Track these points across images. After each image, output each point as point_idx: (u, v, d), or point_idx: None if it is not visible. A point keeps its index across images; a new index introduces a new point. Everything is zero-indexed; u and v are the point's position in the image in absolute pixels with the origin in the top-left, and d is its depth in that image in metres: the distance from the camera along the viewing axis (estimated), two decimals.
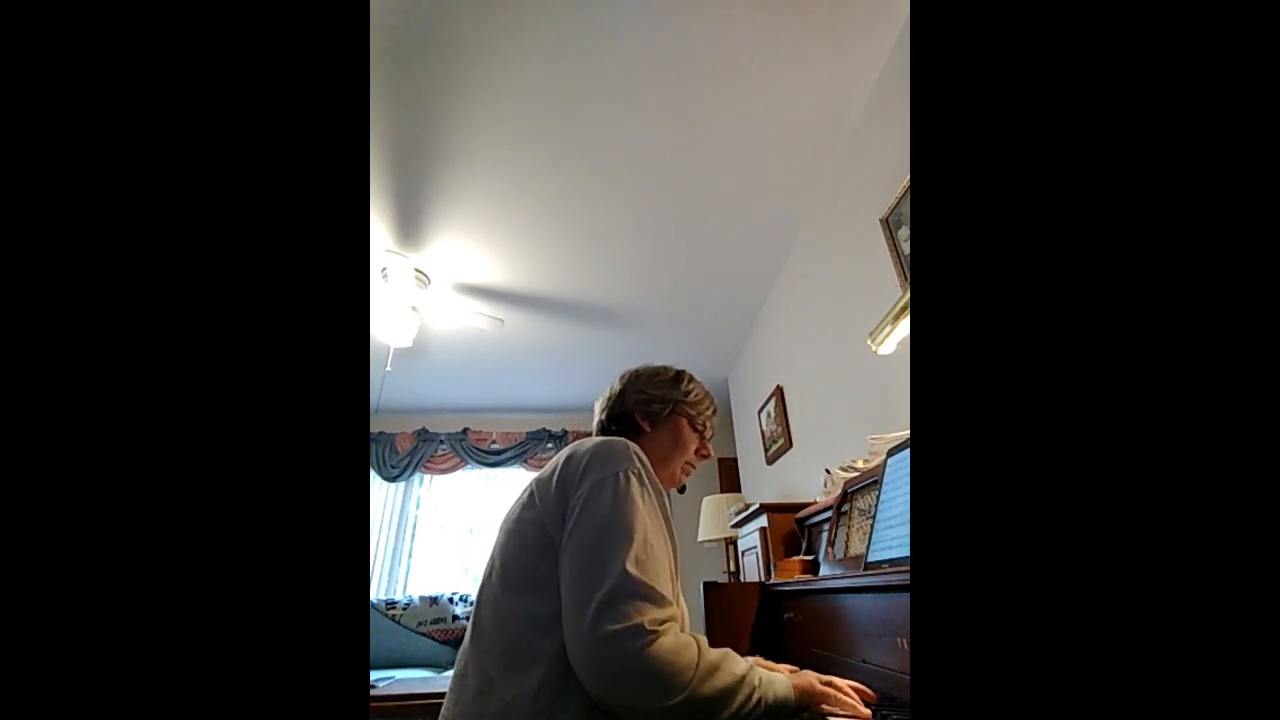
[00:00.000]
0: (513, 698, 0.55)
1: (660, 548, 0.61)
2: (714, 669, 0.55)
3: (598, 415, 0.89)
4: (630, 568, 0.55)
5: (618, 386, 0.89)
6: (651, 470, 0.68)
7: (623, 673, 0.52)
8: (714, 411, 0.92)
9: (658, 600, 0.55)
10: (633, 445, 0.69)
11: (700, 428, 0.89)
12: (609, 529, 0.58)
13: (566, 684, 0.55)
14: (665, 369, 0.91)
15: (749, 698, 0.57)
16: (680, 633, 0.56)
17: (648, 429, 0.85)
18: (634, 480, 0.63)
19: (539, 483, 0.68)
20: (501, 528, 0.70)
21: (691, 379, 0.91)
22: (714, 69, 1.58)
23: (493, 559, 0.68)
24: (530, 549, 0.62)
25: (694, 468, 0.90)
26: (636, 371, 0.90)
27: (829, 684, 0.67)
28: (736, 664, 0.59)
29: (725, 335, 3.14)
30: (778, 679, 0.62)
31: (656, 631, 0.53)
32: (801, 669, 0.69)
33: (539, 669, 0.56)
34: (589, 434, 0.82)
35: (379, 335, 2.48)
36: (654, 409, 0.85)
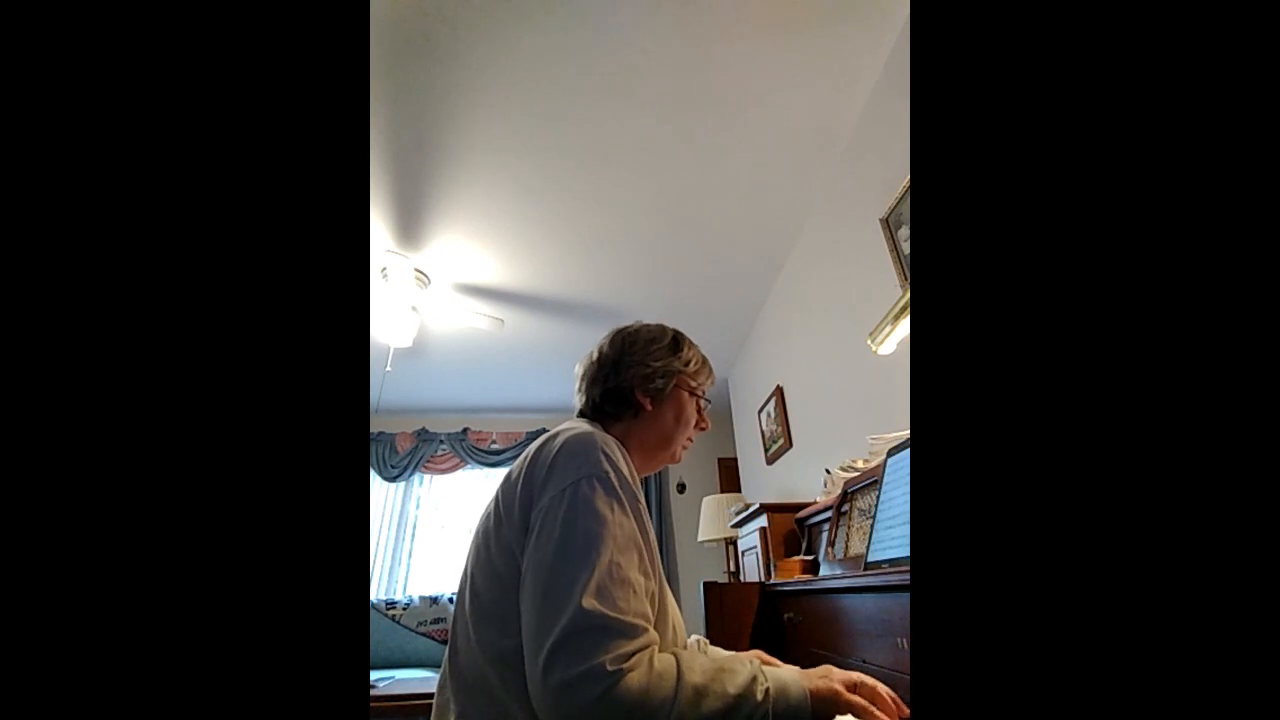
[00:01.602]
0: None
1: (633, 562, 0.54)
2: (700, 695, 0.48)
3: (585, 387, 0.77)
4: (588, 601, 0.48)
5: (609, 352, 0.77)
6: (624, 469, 0.60)
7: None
8: (712, 380, 0.83)
9: (626, 631, 0.48)
10: (599, 439, 0.60)
11: (701, 398, 0.80)
12: (564, 556, 0.51)
13: None
14: (661, 332, 0.80)
15: (751, 715, 0.49)
16: (658, 658, 0.49)
17: (649, 408, 0.74)
18: (598, 487, 0.55)
19: (505, 487, 0.61)
20: (472, 542, 0.63)
21: (690, 344, 0.82)
22: (714, 69, 1.58)
23: (466, 575, 0.61)
24: (499, 573, 0.56)
25: (692, 442, 0.82)
26: (629, 334, 0.79)
27: (859, 688, 0.56)
28: (733, 678, 0.50)
29: (725, 335, 3.14)
30: (791, 684, 0.53)
31: (621, 670, 0.45)
32: (828, 671, 0.59)
33: (512, 712, 0.52)
34: None
35: (379, 335, 2.48)
36: (656, 385, 0.75)
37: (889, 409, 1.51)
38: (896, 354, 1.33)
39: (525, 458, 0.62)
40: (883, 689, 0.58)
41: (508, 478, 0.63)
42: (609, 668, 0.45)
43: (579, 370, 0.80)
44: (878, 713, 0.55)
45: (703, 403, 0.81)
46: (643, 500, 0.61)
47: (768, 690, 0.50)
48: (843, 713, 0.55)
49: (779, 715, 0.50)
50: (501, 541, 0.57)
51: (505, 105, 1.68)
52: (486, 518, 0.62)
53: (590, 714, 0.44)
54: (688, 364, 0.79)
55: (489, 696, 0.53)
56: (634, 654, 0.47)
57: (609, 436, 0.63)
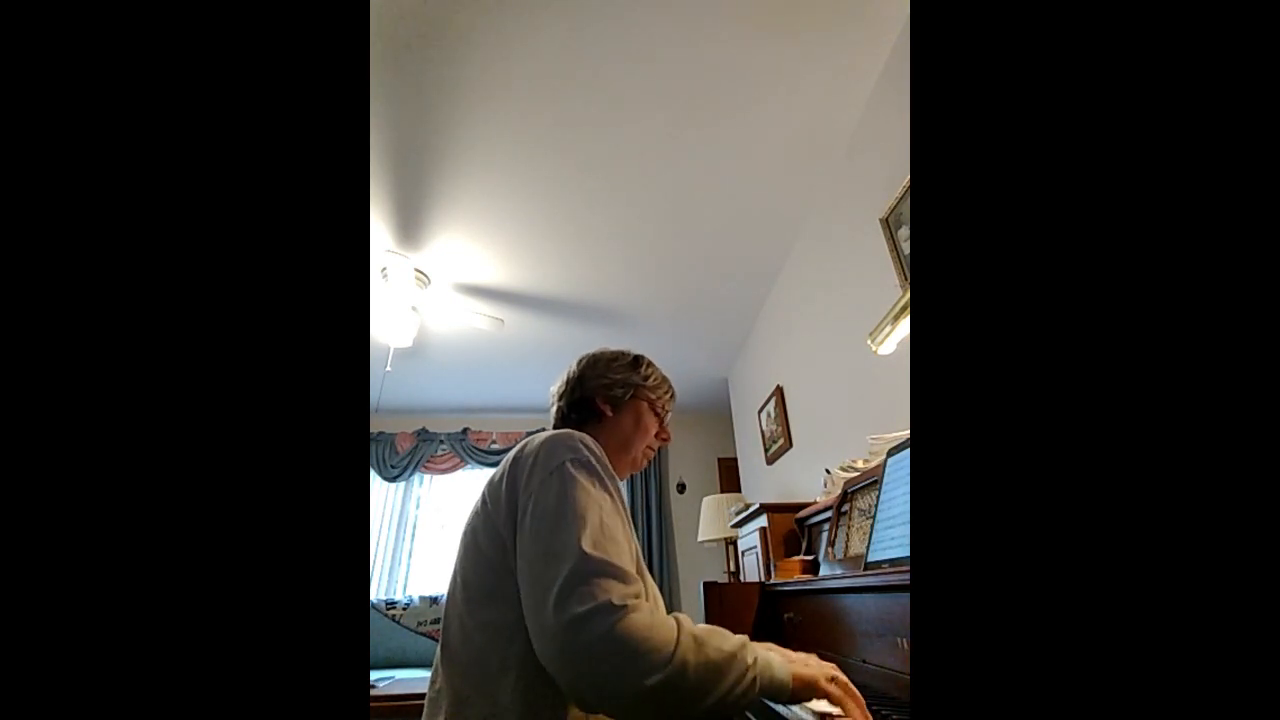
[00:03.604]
0: (487, 713, 0.54)
1: (618, 526, 0.58)
2: (698, 643, 0.50)
3: (556, 402, 0.88)
4: (588, 547, 0.52)
5: (575, 372, 0.87)
6: (602, 458, 0.65)
7: (594, 655, 0.47)
8: (672, 396, 0.92)
9: (622, 576, 0.51)
10: (578, 435, 0.66)
11: (660, 411, 0.89)
12: (559, 518, 0.55)
13: (540, 691, 0.54)
14: (623, 353, 0.90)
15: (741, 677, 0.51)
16: (656, 611, 0.52)
17: (609, 414, 0.84)
18: (581, 470, 0.61)
19: (490, 487, 0.66)
20: (460, 540, 0.68)
21: (650, 364, 0.91)
22: (714, 68, 1.58)
23: (455, 575, 0.66)
24: (489, 559, 0.60)
25: (654, 452, 0.89)
26: (594, 356, 0.89)
27: (834, 681, 0.60)
28: (725, 639, 0.54)
29: (725, 335, 3.14)
30: (775, 661, 0.57)
31: (626, 606, 0.49)
32: (810, 659, 0.62)
33: (510, 679, 0.55)
34: None
35: (379, 335, 2.48)
36: (615, 394, 0.84)
37: (889, 409, 1.51)
38: (896, 354, 1.33)
39: (507, 460, 0.67)
40: (854, 690, 0.61)
41: (491, 479, 0.67)
42: (616, 602, 0.49)
43: (552, 390, 0.90)
44: (851, 705, 0.59)
45: (662, 415, 0.90)
46: (619, 486, 0.67)
47: (755, 659, 0.54)
48: (819, 699, 0.59)
49: (764, 685, 0.54)
50: (490, 530, 0.62)
51: (506, 105, 1.67)
52: (474, 516, 0.67)
53: (601, 644, 0.47)
54: (646, 379, 0.88)
55: (483, 671, 0.57)
56: (634, 595, 0.51)
57: (584, 434, 0.68)
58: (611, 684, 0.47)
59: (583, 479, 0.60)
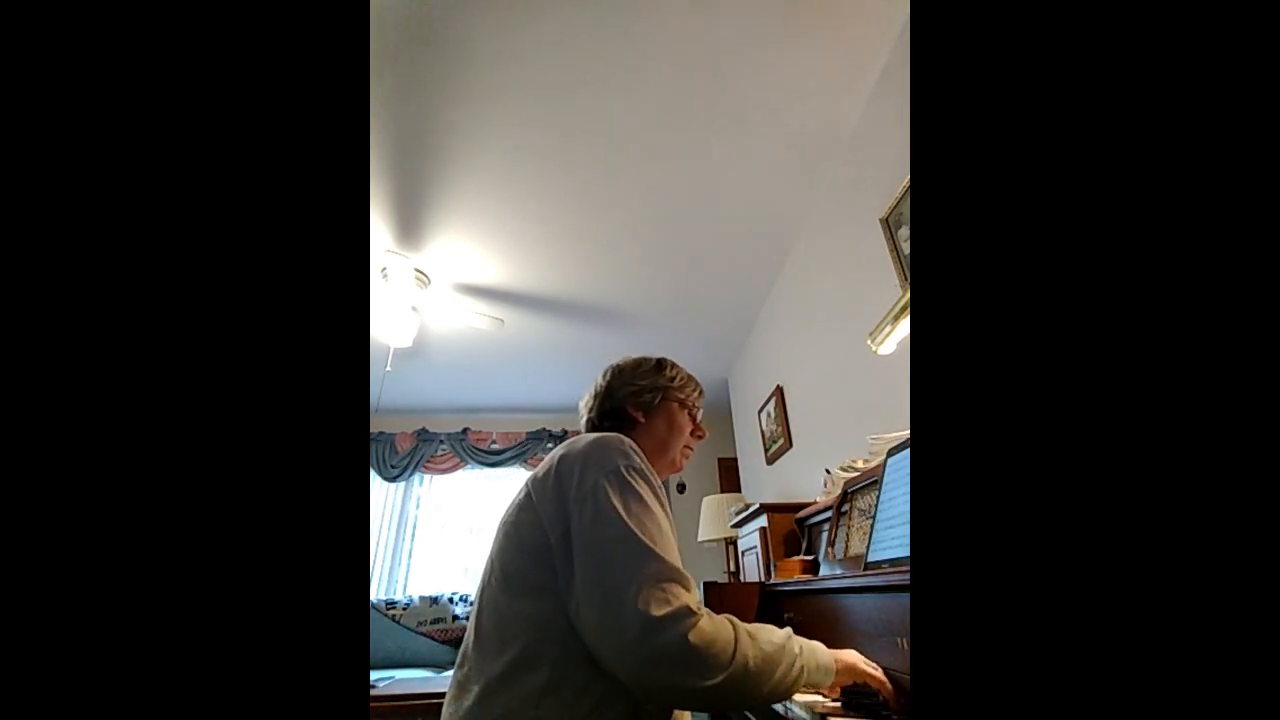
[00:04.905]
0: (516, 704, 0.55)
1: (671, 536, 0.62)
2: (753, 640, 0.56)
3: (585, 414, 0.90)
4: (659, 552, 0.56)
5: (603, 383, 0.89)
6: (647, 462, 0.68)
7: (670, 657, 0.51)
8: (700, 392, 0.93)
9: (687, 583, 0.56)
10: (626, 440, 0.69)
11: (691, 409, 0.90)
12: (627, 523, 0.58)
13: (569, 685, 0.55)
14: (645, 359, 0.92)
15: (791, 666, 0.58)
16: (713, 614, 0.57)
17: (642, 420, 0.86)
18: (636, 476, 0.64)
19: (534, 483, 0.68)
20: (499, 530, 0.70)
21: (673, 364, 0.92)
22: (715, 69, 1.58)
23: (491, 562, 0.67)
24: (529, 552, 0.62)
25: (692, 450, 0.91)
26: (618, 366, 0.91)
27: (874, 667, 0.69)
28: (773, 634, 0.60)
29: (725, 335, 3.14)
30: (819, 648, 0.63)
31: (699, 614, 0.54)
32: (850, 651, 0.71)
33: (541, 673, 0.56)
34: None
35: (379, 335, 2.48)
36: (645, 399, 0.86)
37: (889, 409, 1.51)
38: (896, 354, 1.32)
39: (553, 458, 0.69)
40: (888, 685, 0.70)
41: (535, 475, 0.69)
42: (694, 609, 0.54)
43: (580, 405, 0.92)
44: (890, 686, 0.68)
45: (694, 413, 0.91)
46: (663, 489, 0.69)
47: (801, 649, 0.61)
48: (860, 680, 0.68)
49: (810, 672, 0.61)
50: (535, 524, 0.63)
51: (506, 106, 1.67)
52: (516, 509, 0.68)
53: (676, 649, 0.51)
54: (673, 380, 0.90)
55: (514, 662, 0.58)
56: (699, 601, 0.56)
57: (629, 439, 0.70)
58: (680, 682, 0.51)
59: (639, 487, 0.63)
